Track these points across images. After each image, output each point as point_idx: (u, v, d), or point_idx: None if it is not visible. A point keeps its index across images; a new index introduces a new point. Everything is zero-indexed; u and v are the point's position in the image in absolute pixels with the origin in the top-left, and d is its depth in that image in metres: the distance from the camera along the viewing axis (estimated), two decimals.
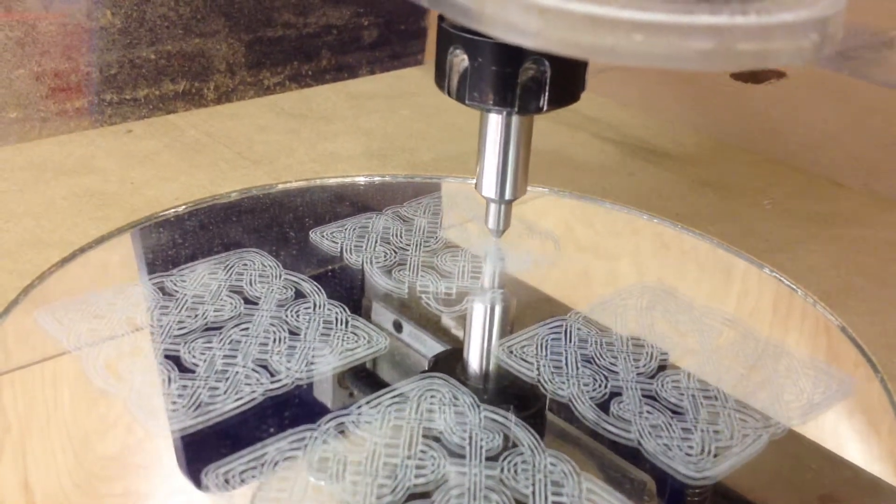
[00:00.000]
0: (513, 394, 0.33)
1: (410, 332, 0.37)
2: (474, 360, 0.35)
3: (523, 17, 0.22)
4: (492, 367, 0.35)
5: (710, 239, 0.45)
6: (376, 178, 0.49)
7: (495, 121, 0.35)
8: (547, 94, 0.33)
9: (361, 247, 0.42)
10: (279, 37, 0.70)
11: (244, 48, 0.69)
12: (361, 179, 0.49)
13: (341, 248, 0.42)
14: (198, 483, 0.29)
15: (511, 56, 0.32)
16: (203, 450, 0.30)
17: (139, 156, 0.50)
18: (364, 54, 0.75)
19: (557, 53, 0.23)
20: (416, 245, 0.42)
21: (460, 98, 0.33)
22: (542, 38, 0.22)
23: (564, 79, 0.33)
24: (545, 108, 0.33)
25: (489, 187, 0.37)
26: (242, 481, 0.29)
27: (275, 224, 0.44)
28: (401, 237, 0.43)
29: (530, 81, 0.32)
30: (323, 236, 0.43)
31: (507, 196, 0.37)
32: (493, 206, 0.38)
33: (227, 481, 0.28)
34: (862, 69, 0.77)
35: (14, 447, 0.30)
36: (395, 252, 0.42)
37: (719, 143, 0.57)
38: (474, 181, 0.38)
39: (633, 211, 0.47)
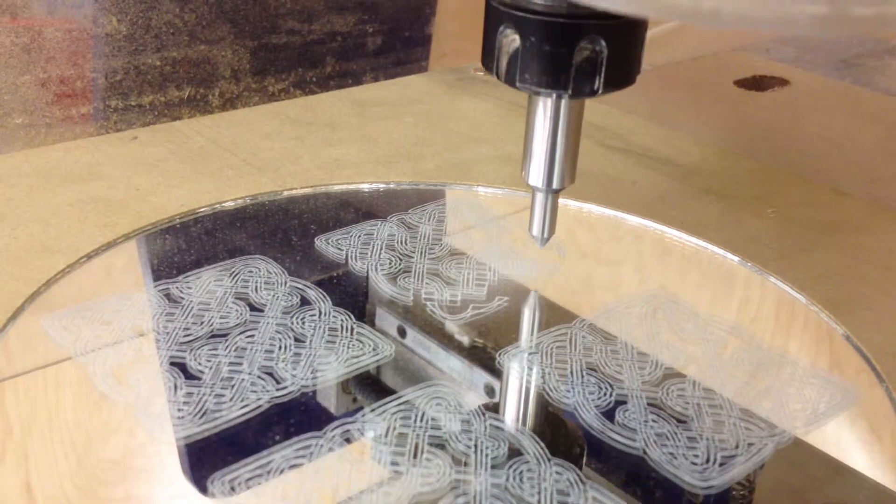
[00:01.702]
0: (553, 433, 0.32)
1: (415, 339, 0.37)
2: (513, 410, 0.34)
3: None
4: (532, 406, 0.34)
5: (713, 247, 0.45)
6: (381, 186, 0.50)
7: (544, 104, 0.33)
8: (602, 75, 0.31)
9: (366, 254, 0.42)
10: (284, 44, 0.71)
11: (249, 55, 0.69)
12: (366, 186, 0.49)
13: (346, 255, 0.42)
14: (204, 490, 0.29)
15: (566, 35, 0.30)
16: (209, 457, 0.30)
17: (145, 162, 0.50)
18: (368, 61, 0.76)
19: (653, 18, 0.21)
20: (421, 252, 0.43)
21: (510, 81, 0.32)
22: (636, 2, 0.21)
23: (621, 60, 0.31)
24: (600, 90, 0.31)
25: (536, 175, 0.35)
26: (248, 488, 0.29)
27: (280, 231, 0.44)
28: (406, 244, 0.43)
29: (585, 62, 0.30)
30: (328, 243, 0.43)
31: (555, 185, 0.35)
32: (538, 201, 0.36)
33: (233, 489, 0.29)
34: (865, 77, 0.78)
35: (16, 450, 0.30)
36: (400, 259, 0.42)
37: (723, 152, 0.57)
38: (521, 170, 0.36)
39: (637, 218, 0.47)
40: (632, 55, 0.32)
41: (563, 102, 0.33)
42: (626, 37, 0.31)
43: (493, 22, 0.32)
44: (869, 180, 0.56)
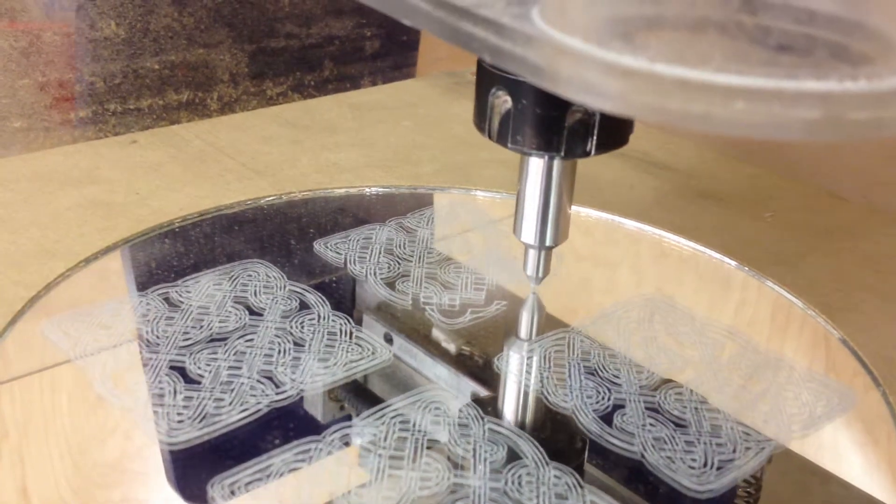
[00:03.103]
0: (552, 437, 0.32)
1: (402, 347, 0.37)
2: (511, 406, 0.35)
3: (604, 79, 0.20)
4: (530, 410, 0.34)
5: (711, 251, 0.45)
6: (379, 189, 0.50)
7: (537, 165, 0.33)
8: (595, 138, 0.31)
9: (365, 258, 0.42)
10: (282, 47, 0.71)
11: (247, 58, 0.69)
12: (365, 190, 0.50)
13: (345, 260, 0.42)
14: (203, 494, 0.29)
15: (558, 98, 0.30)
16: (209, 461, 0.30)
17: (144, 166, 0.51)
18: (366, 65, 0.76)
19: (644, 119, 0.21)
20: (419, 256, 0.43)
21: (502, 141, 0.31)
22: (624, 103, 0.20)
23: (613, 122, 0.31)
24: (592, 152, 0.31)
25: (529, 234, 0.35)
26: (248, 492, 0.29)
27: (279, 235, 0.45)
28: (404, 248, 0.43)
29: (578, 125, 0.30)
30: (327, 247, 0.43)
31: (548, 243, 0.35)
32: (531, 252, 0.36)
33: (232, 492, 0.29)
34: None
35: (13, 453, 0.30)
36: (399, 263, 0.42)
37: (720, 156, 0.57)
38: (512, 226, 0.36)
39: (634, 223, 0.47)
40: (624, 118, 0.32)
41: (556, 163, 0.33)
42: None
43: (485, 83, 0.32)
44: (866, 185, 0.56)
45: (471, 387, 0.35)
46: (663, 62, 0.20)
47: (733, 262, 0.44)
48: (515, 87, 0.30)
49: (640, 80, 0.20)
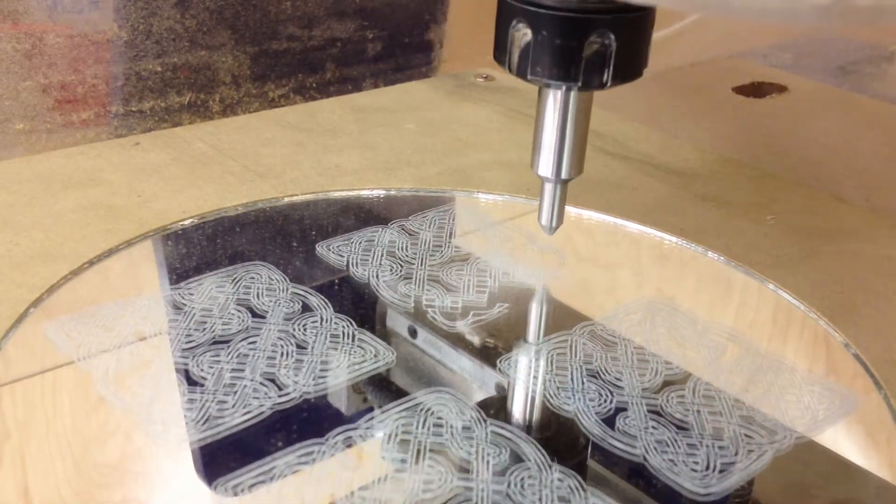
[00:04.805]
0: (554, 439, 0.33)
1: (426, 339, 0.37)
2: (519, 408, 0.35)
3: None
4: (533, 412, 0.35)
5: (713, 254, 0.45)
6: (382, 192, 0.50)
7: (554, 96, 0.34)
8: (611, 69, 0.32)
9: (367, 260, 0.42)
10: (284, 49, 0.71)
11: (249, 60, 0.69)
12: (367, 193, 0.50)
13: (347, 262, 0.42)
14: (206, 497, 0.29)
15: (576, 29, 0.31)
16: (212, 463, 0.30)
17: (147, 168, 0.51)
18: (368, 67, 0.76)
19: (666, 7, 0.22)
20: (422, 259, 0.43)
21: (521, 73, 0.33)
22: None
23: (628, 54, 0.32)
24: (609, 83, 0.32)
25: (546, 166, 0.36)
26: (251, 494, 0.29)
27: (281, 237, 0.45)
28: (406, 251, 0.43)
29: (595, 56, 0.32)
30: (329, 250, 0.43)
31: (564, 175, 0.36)
32: (547, 191, 0.37)
33: (235, 494, 0.29)
34: (863, 83, 0.78)
35: (14, 454, 0.30)
36: (401, 266, 0.42)
37: (722, 158, 0.57)
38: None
39: (636, 225, 0.47)
40: (639, 49, 0.33)
41: (573, 95, 0.34)
42: (635, 31, 0.32)
43: (505, 16, 0.33)
44: (868, 187, 0.56)
45: (493, 378, 0.35)
46: None
47: (735, 265, 0.44)
48: (535, 18, 0.32)
49: None
